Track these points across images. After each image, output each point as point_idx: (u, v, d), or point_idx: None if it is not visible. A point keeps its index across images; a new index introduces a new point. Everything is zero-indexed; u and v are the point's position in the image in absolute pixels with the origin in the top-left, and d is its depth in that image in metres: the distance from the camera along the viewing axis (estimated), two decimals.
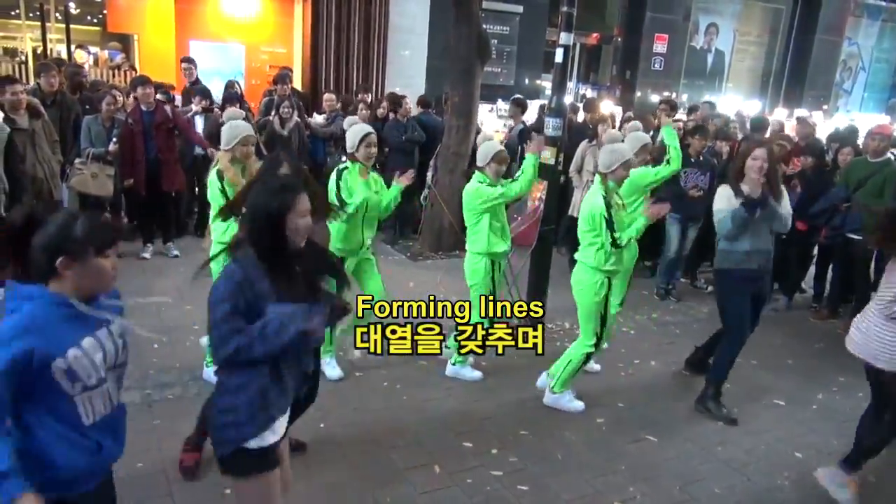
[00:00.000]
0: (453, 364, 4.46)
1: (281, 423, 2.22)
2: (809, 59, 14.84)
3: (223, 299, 2.06)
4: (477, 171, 4.26)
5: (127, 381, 4.01)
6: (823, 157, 6.32)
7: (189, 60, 7.87)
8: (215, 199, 3.88)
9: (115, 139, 6.05)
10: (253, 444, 2.12)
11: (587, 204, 3.93)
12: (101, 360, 1.91)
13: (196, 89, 7.34)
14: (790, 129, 8.36)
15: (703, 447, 3.86)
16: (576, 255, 4.07)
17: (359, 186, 4.07)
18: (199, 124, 6.91)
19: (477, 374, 4.47)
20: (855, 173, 5.76)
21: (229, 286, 2.07)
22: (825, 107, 14.68)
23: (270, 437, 2.16)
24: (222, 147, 4.00)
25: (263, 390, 2.11)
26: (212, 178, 3.93)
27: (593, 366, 4.60)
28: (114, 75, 9.15)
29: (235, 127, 4.01)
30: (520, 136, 7.54)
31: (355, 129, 4.15)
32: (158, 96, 6.45)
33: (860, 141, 6.60)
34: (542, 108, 8.33)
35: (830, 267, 6.25)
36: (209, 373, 4.02)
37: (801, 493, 3.51)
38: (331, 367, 4.29)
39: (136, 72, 9.25)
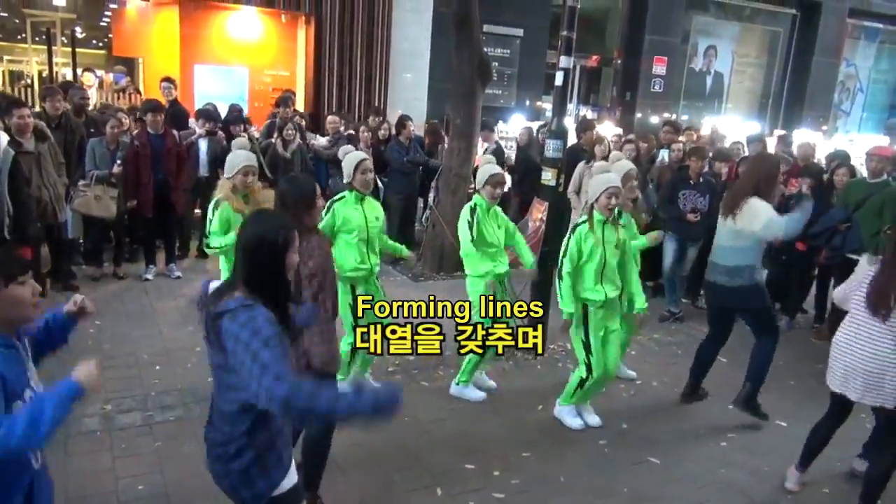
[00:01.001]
0: (457, 384, 4.47)
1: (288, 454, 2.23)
2: (808, 80, 14.95)
3: (270, 342, 1.89)
4: (476, 194, 4.36)
5: (128, 403, 4.06)
6: (821, 179, 6.36)
7: (169, 80, 7.93)
8: (220, 230, 3.93)
9: (119, 161, 6.11)
10: (286, 483, 2.14)
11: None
12: None
13: (200, 112, 7.41)
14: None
15: (706, 469, 3.84)
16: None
17: (352, 215, 4.06)
18: (203, 147, 6.97)
19: (480, 394, 4.48)
20: (853, 194, 5.79)
21: (272, 329, 1.93)
22: (824, 127, 14.76)
23: (293, 471, 2.19)
24: (225, 175, 4.06)
25: (275, 432, 2.10)
26: (212, 204, 4.01)
27: (629, 372, 4.88)
28: (118, 98, 9.25)
29: (237, 156, 4.08)
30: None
31: (350, 157, 4.14)
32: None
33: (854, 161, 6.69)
34: (528, 130, 8.45)
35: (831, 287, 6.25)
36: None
37: None
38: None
39: (140, 95, 9.35)
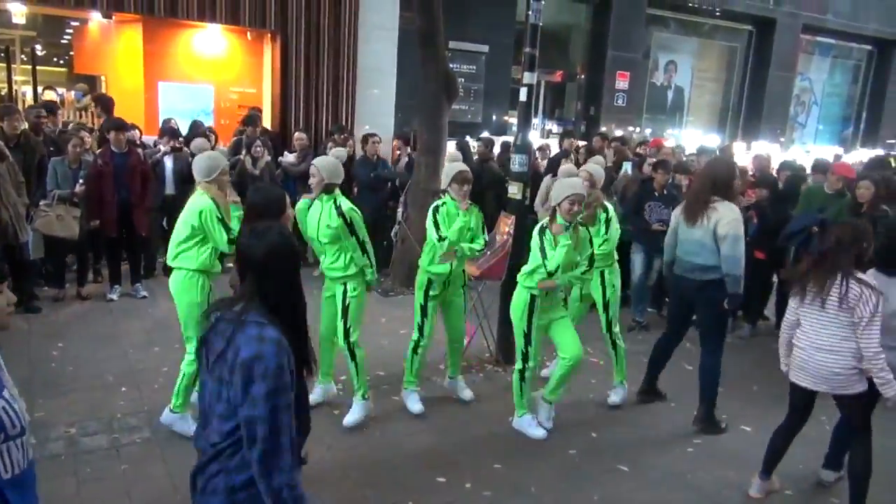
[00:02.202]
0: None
1: None
2: (764, 93, 15.39)
3: (283, 386, 1.77)
4: (443, 194, 4.39)
5: (93, 426, 3.98)
6: (777, 189, 6.55)
7: (99, 99, 7.90)
8: (220, 232, 3.79)
9: (81, 180, 6.02)
10: None
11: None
12: (23, 409, 1.86)
13: (164, 129, 7.37)
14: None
15: (674, 475, 3.91)
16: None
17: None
18: (169, 165, 6.92)
19: (419, 406, 4.48)
20: (814, 201, 5.98)
21: (282, 358, 1.78)
22: (782, 139, 15.20)
23: None
24: (204, 179, 3.85)
25: None
26: (208, 207, 3.78)
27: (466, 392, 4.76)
28: (80, 116, 9.11)
29: (216, 158, 4.01)
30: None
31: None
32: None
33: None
34: (488, 141, 8.59)
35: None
36: (171, 418, 3.97)
37: None
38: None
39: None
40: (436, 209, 4.31)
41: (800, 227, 5.77)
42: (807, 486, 3.89)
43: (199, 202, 3.82)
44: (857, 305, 3.21)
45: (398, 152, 8.84)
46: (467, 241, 4.31)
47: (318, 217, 4.06)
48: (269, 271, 1.87)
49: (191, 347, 3.84)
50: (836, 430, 3.85)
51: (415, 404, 4.45)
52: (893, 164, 9.28)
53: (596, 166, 4.93)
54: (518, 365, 4.22)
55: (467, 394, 4.73)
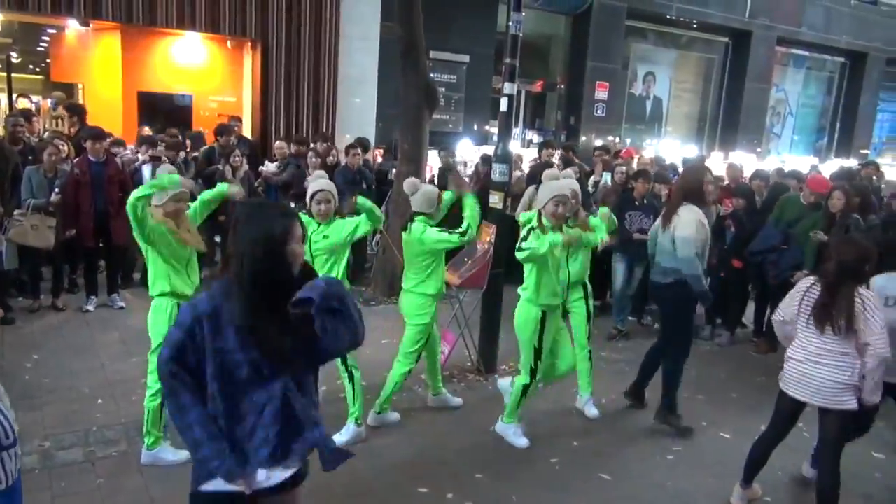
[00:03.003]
0: (377, 413, 4.39)
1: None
2: (741, 104, 15.63)
3: (171, 337, 2.02)
4: (418, 217, 4.29)
5: (68, 439, 3.92)
6: (753, 198, 6.65)
7: (71, 108, 7.81)
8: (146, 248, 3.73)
9: (57, 190, 5.94)
10: (209, 486, 2.04)
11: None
12: (13, 419, 1.85)
13: (142, 138, 7.31)
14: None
15: (655, 483, 3.93)
16: (518, 290, 4.20)
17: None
18: (147, 173, 6.84)
19: (396, 416, 4.47)
20: (788, 211, 6.06)
21: (185, 317, 2.02)
22: (758, 149, 15.43)
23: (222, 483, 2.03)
24: (154, 203, 3.70)
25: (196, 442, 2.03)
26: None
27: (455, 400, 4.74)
28: (57, 124, 9.00)
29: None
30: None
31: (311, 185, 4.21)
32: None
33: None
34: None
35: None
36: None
37: None
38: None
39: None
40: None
41: (765, 246, 5.89)
42: (785, 494, 3.92)
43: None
44: (866, 326, 3.27)
45: (379, 160, 8.85)
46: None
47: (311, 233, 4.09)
48: (251, 247, 2.00)
49: (152, 379, 3.69)
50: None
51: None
52: (863, 174, 9.47)
53: (571, 180, 4.90)
54: (524, 380, 4.17)
55: (456, 401, 4.75)
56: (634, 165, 8.65)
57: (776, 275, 5.93)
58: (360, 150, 7.83)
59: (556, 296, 4.10)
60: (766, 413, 4.59)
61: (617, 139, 13.88)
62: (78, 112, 7.76)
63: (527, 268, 4.06)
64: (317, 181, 4.19)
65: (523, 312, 4.13)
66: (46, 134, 7.55)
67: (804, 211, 5.94)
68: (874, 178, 8.78)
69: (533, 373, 4.15)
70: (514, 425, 4.29)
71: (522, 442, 4.24)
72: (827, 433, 3.51)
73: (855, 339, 3.30)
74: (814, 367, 3.42)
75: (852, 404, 3.36)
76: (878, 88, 18.01)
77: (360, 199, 4.04)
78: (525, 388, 4.19)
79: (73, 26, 9.48)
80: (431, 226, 4.26)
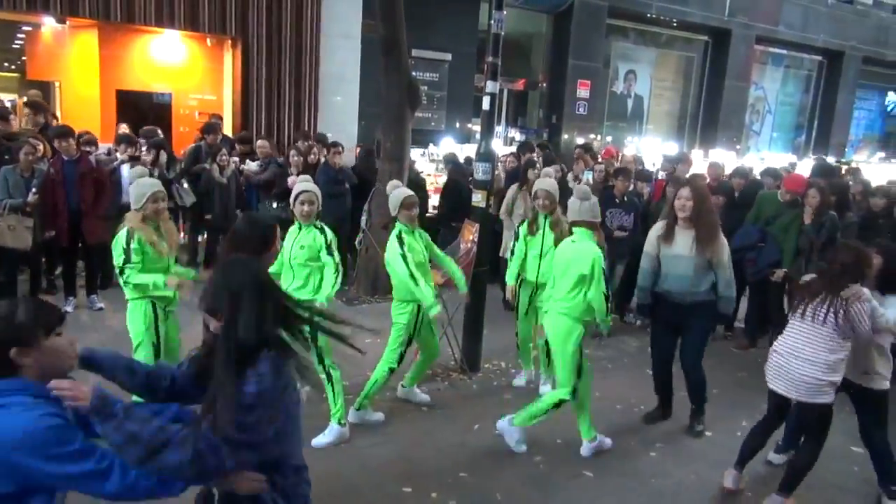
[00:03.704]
0: (357, 409, 4.40)
1: None
2: (721, 102, 15.78)
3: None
4: (398, 223, 4.34)
5: None
6: (733, 196, 6.72)
7: (31, 105, 7.62)
8: (118, 258, 3.75)
9: (34, 190, 5.85)
10: None
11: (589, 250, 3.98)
12: None
13: (121, 137, 7.21)
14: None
15: (638, 480, 3.96)
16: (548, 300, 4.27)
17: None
18: (125, 173, 6.76)
19: (380, 415, 4.50)
20: (765, 208, 6.13)
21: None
22: (738, 147, 15.59)
23: None
24: (133, 207, 3.81)
25: None
26: (119, 236, 3.79)
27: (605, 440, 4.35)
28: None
29: (142, 185, 3.85)
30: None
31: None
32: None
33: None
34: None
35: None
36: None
37: None
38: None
39: (57, 120, 8.99)
40: (399, 240, 4.28)
41: (743, 243, 5.94)
42: (764, 488, 3.96)
43: (120, 231, 3.83)
44: (856, 324, 3.38)
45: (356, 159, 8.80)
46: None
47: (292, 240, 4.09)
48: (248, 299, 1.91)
49: None
50: (790, 419, 3.99)
51: (375, 415, 4.48)
52: (844, 171, 9.61)
53: (550, 180, 4.95)
54: (563, 395, 4.06)
55: (423, 397, 4.77)
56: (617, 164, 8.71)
57: (754, 272, 6.00)
58: (341, 149, 7.80)
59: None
60: (747, 409, 4.65)
61: (599, 137, 13.96)
62: (39, 109, 7.55)
63: (572, 282, 3.98)
64: (303, 182, 4.19)
65: (565, 329, 4.04)
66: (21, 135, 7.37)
67: (781, 208, 6.00)
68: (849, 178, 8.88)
69: (574, 391, 4.07)
70: (522, 431, 4.21)
71: (522, 448, 4.18)
72: (806, 425, 3.66)
73: (842, 335, 3.41)
74: (793, 360, 3.51)
75: (827, 398, 3.46)
76: (854, 86, 18.27)
77: None
78: (560, 404, 4.09)
79: (49, 23, 9.32)
80: (408, 233, 4.29)
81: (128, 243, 3.73)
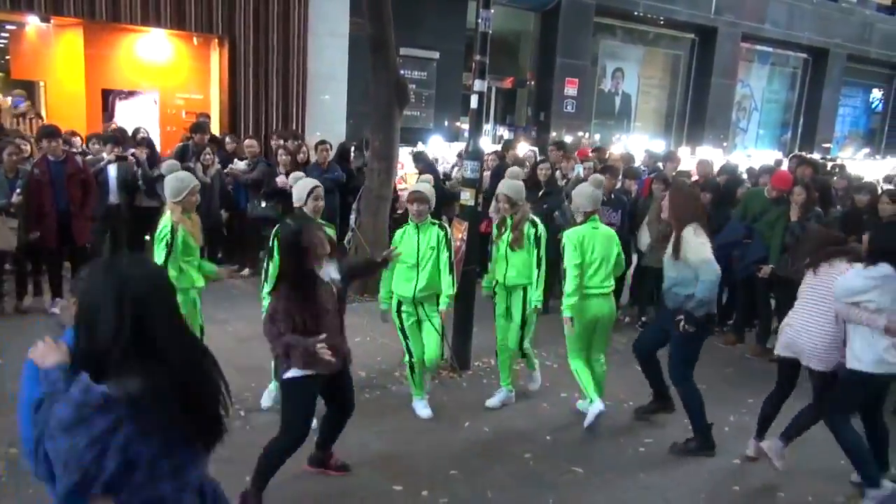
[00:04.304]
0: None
1: None
2: (707, 100, 15.88)
3: None
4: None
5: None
6: (720, 193, 6.77)
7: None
8: (161, 252, 4.01)
9: (18, 190, 5.80)
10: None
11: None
12: None
13: (107, 137, 7.17)
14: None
15: (626, 475, 3.99)
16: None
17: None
18: (112, 173, 6.73)
19: (427, 411, 4.59)
20: (752, 205, 6.18)
21: None
22: (725, 144, 15.70)
23: None
24: (171, 199, 4.11)
25: None
26: (163, 229, 4.05)
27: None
28: (18, 123, 8.78)
29: (183, 179, 4.17)
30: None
31: (300, 184, 4.28)
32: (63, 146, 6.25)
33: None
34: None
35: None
36: None
37: None
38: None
39: (42, 120, 8.92)
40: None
41: (730, 240, 5.99)
42: (755, 482, 4.01)
43: (162, 226, 4.12)
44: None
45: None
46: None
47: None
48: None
49: None
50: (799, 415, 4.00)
51: (423, 410, 4.58)
52: (829, 167, 9.70)
53: (513, 181, 4.80)
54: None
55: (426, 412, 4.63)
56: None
57: (741, 269, 6.05)
58: (329, 146, 7.79)
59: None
60: (734, 403, 4.70)
61: (587, 135, 14.00)
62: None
63: (612, 263, 4.46)
64: (305, 179, 4.36)
65: (614, 308, 4.62)
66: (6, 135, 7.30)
67: (768, 205, 6.06)
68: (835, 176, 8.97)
69: None
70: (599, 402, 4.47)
71: (598, 407, 4.37)
72: (818, 396, 3.92)
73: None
74: (803, 331, 3.85)
75: (831, 366, 3.76)
76: (839, 84, 18.43)
77: None
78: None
79: (33, 22, 9.23)
80: (415, 228, 4.44)
81: (173, 237, 4.04)
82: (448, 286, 4.43)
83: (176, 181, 4.14)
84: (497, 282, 4.84)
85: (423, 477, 3.80)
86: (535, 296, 4.64)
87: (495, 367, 5.45)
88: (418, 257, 4.37)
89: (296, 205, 4.21)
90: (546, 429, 4.50)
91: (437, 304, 4.49)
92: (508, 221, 4.75)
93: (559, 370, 5.49)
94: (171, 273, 3.96)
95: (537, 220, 4.75)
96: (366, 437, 4.24)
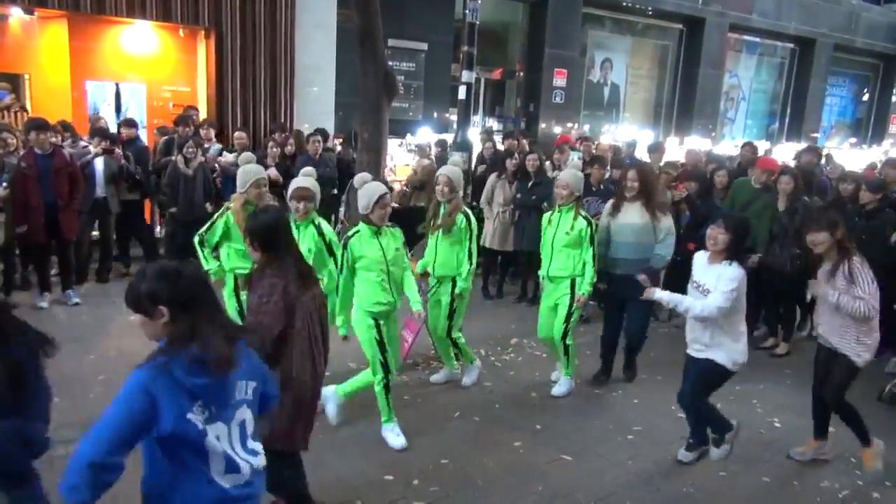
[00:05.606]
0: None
1: None
2: (696, 90, 15.91)
3: None
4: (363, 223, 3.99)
5: None
6: (706, 182, 6.80)
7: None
8: (215, 234, 4.30)
9: (4, 184, 5.75)
10: None
11: None
12: None
13: (95, 129, 7.12)
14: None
15: (615, 462, 4.03)
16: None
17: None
18: (99, 166, 6.69)
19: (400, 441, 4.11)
20: (740, 195, 6.23)
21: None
22: (713, 134, 15.76)
23: None
24: (238, 190, 4.32)
25: None
26: (226, 217, 4.30)
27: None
28: (3, 116, 8.69)
29: (247, 171, 4.32)
30: None
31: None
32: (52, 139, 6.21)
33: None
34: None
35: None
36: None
37: (707, 497, 3.73)
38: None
39: (27, 113, 8.85)
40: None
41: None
42: (748, 475, 4.06)
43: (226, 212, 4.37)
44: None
45: (338, 149, 8.79)
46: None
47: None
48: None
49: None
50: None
51: (396, 439, 4.07)
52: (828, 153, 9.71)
53: (454, 168, 4.74)
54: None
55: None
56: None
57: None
58: (320, 138, 7.78)
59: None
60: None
61: (576, 126, 14.01)
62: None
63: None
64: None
65: None
66: None
67: (755, 194, 6.10)
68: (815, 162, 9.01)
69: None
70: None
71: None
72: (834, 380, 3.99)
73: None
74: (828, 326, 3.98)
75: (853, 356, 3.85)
76: (826, 74, 18.51)
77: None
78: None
79: (17, 14, 9.12)
80: (374, 234, 3.94)
81: (227, 225, 4.25)
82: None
83: (240, 172, 4.34)
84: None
85: (414, 466, 3.83)
86: (462, 284, 4.67)
87: (485, 356, 5.50)
88: (387, 263, 3.97)
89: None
90: (535, 417, 4.54)
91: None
92: (441, 210, 4.67)
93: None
94: (222, 252, 4.34)
95: (470, 213, 4.70)
96: (356, 427, 4.26)
